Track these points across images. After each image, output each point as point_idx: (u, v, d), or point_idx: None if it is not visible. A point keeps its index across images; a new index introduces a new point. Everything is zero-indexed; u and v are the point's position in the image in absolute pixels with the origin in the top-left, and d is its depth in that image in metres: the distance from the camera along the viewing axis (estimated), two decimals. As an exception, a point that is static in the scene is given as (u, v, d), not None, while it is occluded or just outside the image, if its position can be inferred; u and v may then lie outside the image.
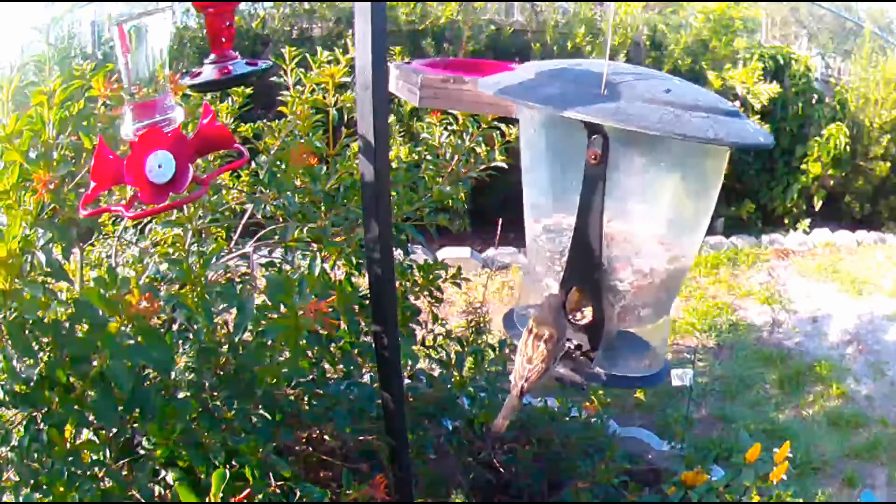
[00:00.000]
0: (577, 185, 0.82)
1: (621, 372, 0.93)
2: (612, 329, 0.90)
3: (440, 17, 4.99)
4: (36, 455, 1.05)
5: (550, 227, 0.92)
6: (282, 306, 1.07)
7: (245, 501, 1.06)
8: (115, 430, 1.16)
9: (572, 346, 0.90)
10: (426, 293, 1.70)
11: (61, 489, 1.04)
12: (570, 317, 0.88)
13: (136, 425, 1.17)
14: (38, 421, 1.04)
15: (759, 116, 5.25)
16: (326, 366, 1.49)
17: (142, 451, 1.20)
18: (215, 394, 1.20)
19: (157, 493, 1.22)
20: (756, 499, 1.79)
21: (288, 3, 4.99)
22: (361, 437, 1.51)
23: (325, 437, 1.57)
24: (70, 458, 1.05)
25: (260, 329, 1.13)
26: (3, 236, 0.95)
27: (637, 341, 0.95)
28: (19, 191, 1.07)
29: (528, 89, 0.85)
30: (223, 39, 1.24)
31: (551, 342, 0.86)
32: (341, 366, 1.49)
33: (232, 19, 1.25)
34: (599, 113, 0.76)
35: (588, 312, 0.87)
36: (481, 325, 3.10)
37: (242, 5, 4.86)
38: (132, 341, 0.92)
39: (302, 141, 1.52)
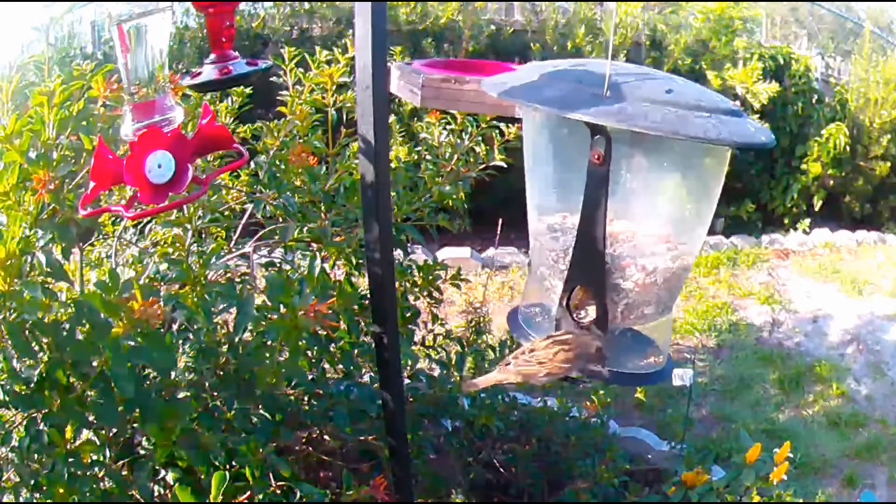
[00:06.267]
0: (581, 184, 0.82)
1: (625, 369, 0.93)
2: (615, 327, 0.90)
3: (440, 17, 4.98)
4: (36, 455, 1.05)
5: (554, 226, 0.92)
6: (282, 306, 1.07)
7: (245, 502, 1.06)
8: (115, 430, 1.16)
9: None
10: (426, 293, 1.69)
11: (61, 490, 1.04)
12: (574, 314, 0.88)
13: (136, 425, 1.17)
14: (39, 421, 1.04)
15: (758, 116, 5.25)
16: (326, 366, 1.49)
17: (142, 451, 1.20)
18: (215, 394, 1.20)
19: (157, 494, 1.22)
20: (756, 499, 1.79)
21: (288, 3, 4.99)
22: (361, 437, 1.51)
23: (325, 437, 1.56)
24: (70, 459, 1.05)
25: (260, 329, 1.13)
26: (3, 237, 0.95)
27: (641, 338, 0.95)
28: (19, 191, 1.07)
29: (531, 90, 0.85)
30: (223, 39, 1.24)
31: (564, 355, 0.85)
32: (341, 366, 1.49)
33: (232, 19, 1.25)
34: (602, 114, 0.76)
35: (591, 311, 0.87)
36: (481, 325, 3.10)
37: (242, 5, 4.86)
38: (133, 343, 0.92)
39: (301, 141, 1.52)
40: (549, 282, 0.92)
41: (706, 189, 0.90)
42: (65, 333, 0.96)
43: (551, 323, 0.91)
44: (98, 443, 1.15)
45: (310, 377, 1.38)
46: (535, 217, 0.95)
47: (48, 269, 1.02)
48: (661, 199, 0.89)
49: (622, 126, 0.76)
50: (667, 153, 0.84)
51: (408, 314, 1.57)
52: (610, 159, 0.80)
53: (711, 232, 5.23)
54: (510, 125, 1.72)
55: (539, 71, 0.88)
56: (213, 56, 1.25)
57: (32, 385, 0.99)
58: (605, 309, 0.86)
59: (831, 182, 5.55)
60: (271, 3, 4.94)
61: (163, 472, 1.19)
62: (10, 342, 0.95)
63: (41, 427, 1.04)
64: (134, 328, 0.90)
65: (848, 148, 5.40)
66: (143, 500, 1.13)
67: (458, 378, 1.83)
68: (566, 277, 0.87)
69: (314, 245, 1.49)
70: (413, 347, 1.72)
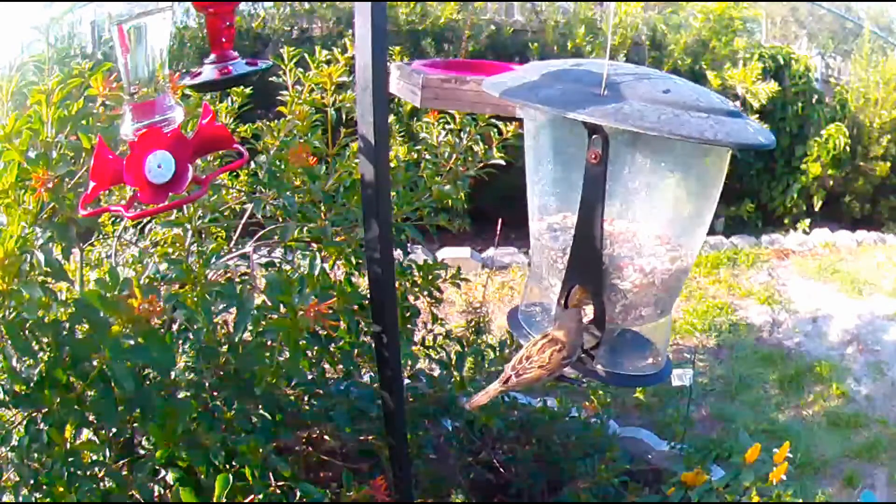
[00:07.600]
0: (580, 184, 0.82)
1: (624, 371, 0.93)
2: (614, 327, 0.90)
3: (440, 17, 4.99)
4: (36, 455, 1.05)
5: (553, 225, 0.92)
6: (282, 306, 1.07)
7: (245, 503, 1.06)
8: (115, 430, 1.16)
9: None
10: (426, 293, 1.69)
11: (61, 489, 1.04)
12: None
13: (136, 425, 1.17)
14: (38, 421, 1.04)
15: (758, 116, 5.25)
16: (326, 366, 1.49)
17: (142, 451, 1.21)
18: (215, 394, 1.20)
19: (157, 493, 1.22)
20: (756, 499, 1.79)
21: (288, 3, 4.99)
22: (361, 437, 1.51)
23: (325, 437, 1.57)
24: (70, 458, 1.05)
25: (260, 329, 1.13)
26: (2, 236, 0.95)
27: (639, 340, 0.95)
28: (18, 190, 1.08)
29: (530, 90, 0.85)
30: (223, 39, 1.24)
31: (559, 355, 0.85)
32: (341, 366, 1.49)
33: (232, 19, 1.25)
34: (598, 113, 0.76)
35: (589, 311, 0.87)
36: (481, 325, 3.11)
37: (242, 5, 4.86)
38: (132, 342, 0.92)
39: (301, 141, 1.52)
40: (548, 281, 0.92)
41: (705, 190, 0.90)
42: (64, 333, 0.97)
43: (551, 322, 0.91)
44: (98, 443, 1.15)
45: (310, 377, 1.38)
46: (535, 216, 0.95)
47: (48, 269, 1.02)
48: (660, 200, 0.89)
49: (618, 126, 0.75)
50: (665, 153, 0.84)
51: (408, 314, 1.57)
52: (607, 159, 0.80)
53: (711, 232, 5.23)
54: (508, 123, 1.72)
55: (539, 71, 0.88)
56: (213, 56, 1.25)
57: (32, 385, 0.99)
58: (602, 308, 0.86)
59: (831, 182, 5.55)
60: (271, 3, 4.95)
61: (163, 472, 1.19)
62: (9, 341, 0.95)
63: (41, 426, 1.04)
64: (133, 325, 0.90)
65: (848, 148, 5.40)
66: (143, 500, 1.13)
67: (458, 378, 1.83)
68: (564, 277, 0.87)
69: (314, 245, 1.49)
70: (413, 347, 1.72)
